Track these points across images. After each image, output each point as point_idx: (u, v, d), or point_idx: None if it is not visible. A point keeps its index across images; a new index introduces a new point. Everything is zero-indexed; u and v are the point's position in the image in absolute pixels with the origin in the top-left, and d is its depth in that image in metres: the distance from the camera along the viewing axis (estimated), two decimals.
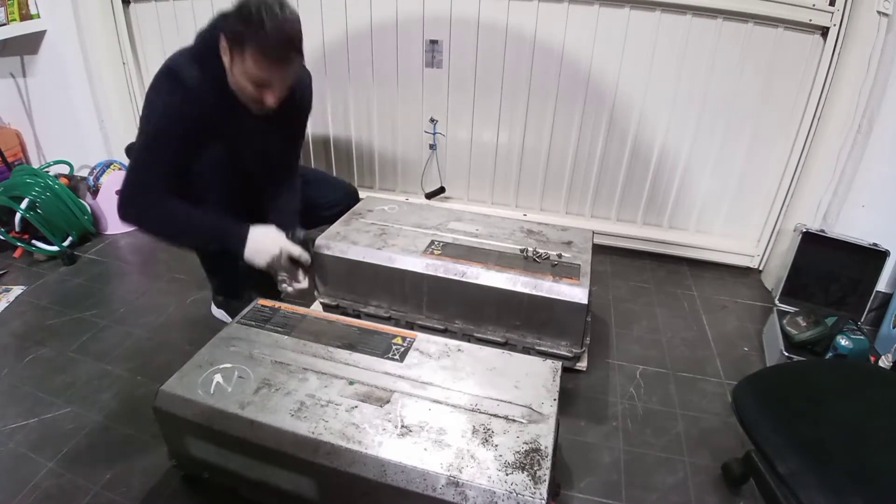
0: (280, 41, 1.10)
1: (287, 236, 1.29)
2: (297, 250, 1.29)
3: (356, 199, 1.65)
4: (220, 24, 1.17)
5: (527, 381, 0.98)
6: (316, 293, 1.46)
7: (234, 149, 1.27)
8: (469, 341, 1.28)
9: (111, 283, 1.74)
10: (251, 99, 1.19)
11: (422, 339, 1.08)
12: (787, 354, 1.34)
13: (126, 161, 2.11)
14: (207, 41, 1.20)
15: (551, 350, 1.28)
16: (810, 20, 1.53)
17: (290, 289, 1.33)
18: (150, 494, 1.03)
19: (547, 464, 0.81)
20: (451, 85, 1.90)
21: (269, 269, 1.28)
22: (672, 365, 1.43)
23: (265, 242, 1.26)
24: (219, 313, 1.55)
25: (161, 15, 2.05)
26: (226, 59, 1.17)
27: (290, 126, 1.40)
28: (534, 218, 1.81)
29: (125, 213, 1.22)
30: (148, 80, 2.17)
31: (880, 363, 1.32)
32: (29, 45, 2.06)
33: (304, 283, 1.34)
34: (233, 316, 1.19)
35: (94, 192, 2.00)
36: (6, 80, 2.18)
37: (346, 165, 2.12)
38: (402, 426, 0.87)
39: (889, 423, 0.80)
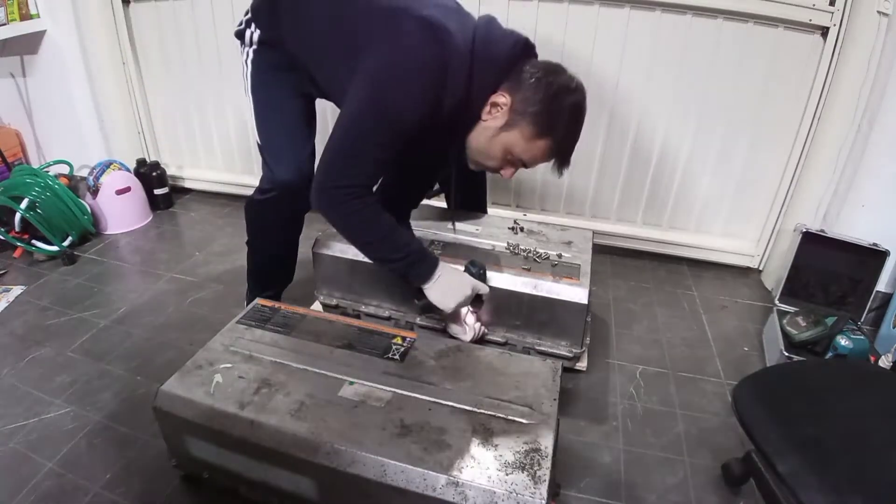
0: (573, 144, 1.09)
1: (468, 272, 1.19)
2: (484, 288, 1.19)
3: None
4: (523, 76, 1.03)
5: (527, 381, 0.98)
6: (316, 293, 1.46)
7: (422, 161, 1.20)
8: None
9: (111, 283, 1.74)
10: (485, 161, 1.12)
11: (422, 339, 1.08)
12: (787, 354, 1.34)
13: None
14: (490, 63, 1.03)
15: (551, 350, 1.28)
16: (810, 20, 1.53)
17: (465, 337, 1.21)
18: (150, 494, 1.03)
19: (547, 464, 0.81)
20: None
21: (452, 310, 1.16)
22: (672, 365, 1.43)
23: (458, 284, 1.15)
24: None
25: (161, 15, 2.05)
26: (493, 113, 1.05)
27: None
28: (534, 218, 1.81)
29: (324, 202, 1.07)
30: (148, 79, 2.20)
31: (880, 363, 1.32)
32: (29, 45, 2.06)
33: (472, 326, 1.23)
34: None
35: (94, 192, 2.00)
36: (6, 80, 2.18)
37: None
38: (402, 426, 0.87)
39: (889, 423, 0.80)
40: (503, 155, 1.09)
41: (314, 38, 1.13)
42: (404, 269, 1.14)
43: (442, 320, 1.28)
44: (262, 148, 1.27)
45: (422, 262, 1.14)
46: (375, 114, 1.03)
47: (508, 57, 1.05)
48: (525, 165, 1.12)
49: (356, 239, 1.15)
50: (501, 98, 1.04)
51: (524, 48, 1.07)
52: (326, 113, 1.56)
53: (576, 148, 1.11)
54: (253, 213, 1.35)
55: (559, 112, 1.03)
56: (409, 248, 1.13)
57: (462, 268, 1.21)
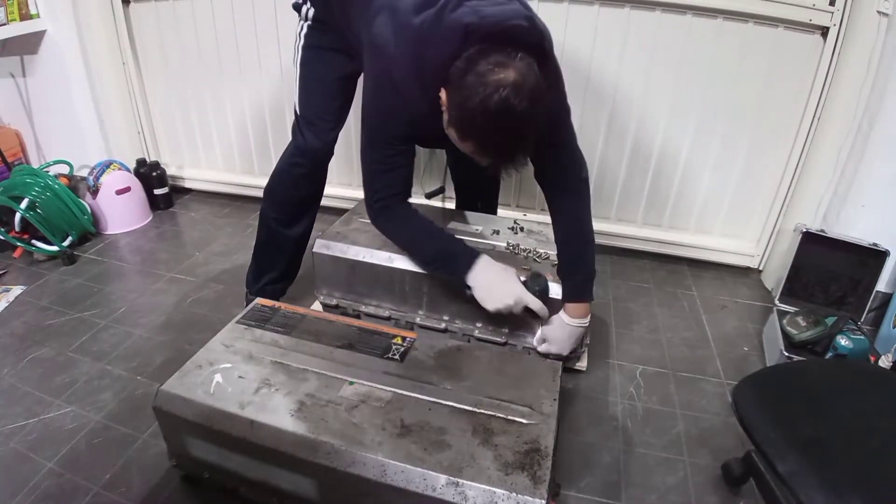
0: (504, 146, 0.95)
1: (525, 283, 1.16)
2: (536, 304, 1.14)
3: None
4: (451, 73, 0.94)
5: (527, 381, 0.98)
6: (316, 293, 1.46)
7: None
8: (469, 341, 1.28)
9: (111, 283, 1.74)
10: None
11: (422, 339, 1.08)
12: (787, 354, 1.34)
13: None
14: (428, 63, 0.99)
15: None
16: (810, 20, 1.53)
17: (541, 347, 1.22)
18: (150, 494, 1.03)
19: (547, 464, 0.81)
20: None
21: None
22: (672, 365, 1.43)
23: (501, 289, 1.14)
24: None
25: (161, 15, 2.05)
26: (443, 98, 0.99)
27: None
28: (534, 218, 1.81)
29: (371, 217, 1.23)
30: (148, 79, 2.21)
31: (880, 363, 1.32)
32: (29, 45, 2.06)
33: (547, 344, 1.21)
34: None
35: (94, 192, 2.00)
36: (6, 80, 2.17)
37: (345, 165, 2.11)
38: (402, 426, 0.87)
39: (889, 423, 0.80)
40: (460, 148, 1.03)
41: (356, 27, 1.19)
42: (442, 266, 1.21)
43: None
44: (298, 116, 1.35)
45: (455, 257, 1.18)
46: (367, 134, 1.14)
47: (448, 54, 0.95)
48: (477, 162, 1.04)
49: (399, 246, 1.27)
50: (442, 94, 0.98)
51: (463, 37, 0.94)
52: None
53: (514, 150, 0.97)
54: (277, 181, 1.42)
55: (471, 114, 0.91)
56: (441, 246, 1.20)
57: (523, 277, 1.19)
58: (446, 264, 1.20)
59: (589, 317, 1.21)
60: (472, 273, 1.15)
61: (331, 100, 1.33)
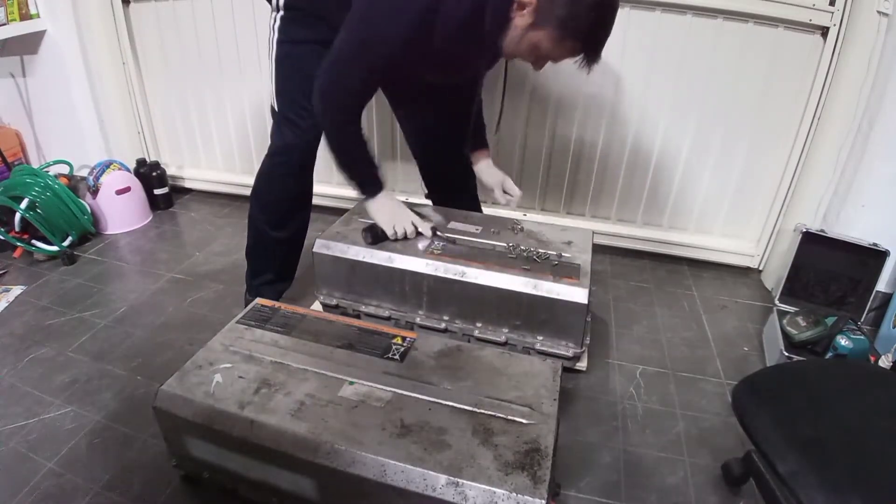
0: (603, 42, 1.04)
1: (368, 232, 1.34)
2: (424, 226, 1.36)
3: None
4: None
5: (527, 381, 0.98)
6: (316, 293, 1.46)
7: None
8: (469, 341, 1.28)
9: (111, 283, 1.74)
10: (516, 55, 1.12)
11: (422, 339, 1.08)
12: (787, 354, 1.34)
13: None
14: None
15: (551, 350, 1.28)
16: (810, 20, 1.53)
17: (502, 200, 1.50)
18: (150, 494, 1.03)
19: (547, 464, 0.81)
20: None
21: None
22: (672, 365, 1.43)
23: (392, 214, 1.35)
24: None
25: (161, 15, 2.05)
26: (520, 12, 1.03)
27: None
28: (534, 218, 1.81)
29: (321, 108, 1.19)
30: (148, 79, 2.21)
31: (880, 363, 1.32)
32: (29, 45, 2.06)
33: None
34: None
35: (94, 192, 2.00)
36: (6, 80, 2.18)
37: None
38: (402, 426, 0.87)
39: (889, 423, 0.80)
40: (531, 52, 1.09)
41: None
42: (358, 186, 1.32)
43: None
44: (276, 113, 1.33)
45: (368, 184, 1.32)
46: (357, 48, 1.11)
47: None
48: (554, 61, 1.12)
49: (334, 153, 1.26)
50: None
51: None
52: None
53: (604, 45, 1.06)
54: (262, 182, 1.41)
55: (584, 15, 0.99)
56: (365, 168, 1.31)
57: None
58: (361, 185, 1.32)
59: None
60: (369, 201, 1.32)
61: (310, 96, 1.28)
